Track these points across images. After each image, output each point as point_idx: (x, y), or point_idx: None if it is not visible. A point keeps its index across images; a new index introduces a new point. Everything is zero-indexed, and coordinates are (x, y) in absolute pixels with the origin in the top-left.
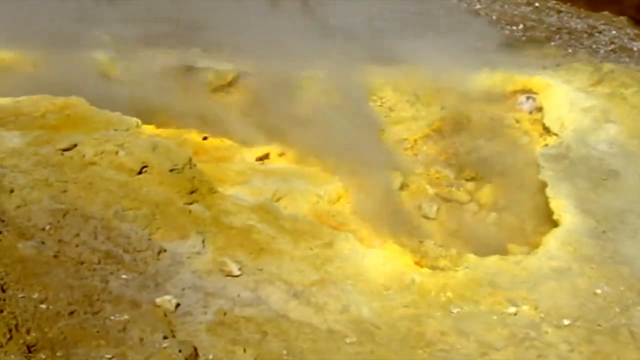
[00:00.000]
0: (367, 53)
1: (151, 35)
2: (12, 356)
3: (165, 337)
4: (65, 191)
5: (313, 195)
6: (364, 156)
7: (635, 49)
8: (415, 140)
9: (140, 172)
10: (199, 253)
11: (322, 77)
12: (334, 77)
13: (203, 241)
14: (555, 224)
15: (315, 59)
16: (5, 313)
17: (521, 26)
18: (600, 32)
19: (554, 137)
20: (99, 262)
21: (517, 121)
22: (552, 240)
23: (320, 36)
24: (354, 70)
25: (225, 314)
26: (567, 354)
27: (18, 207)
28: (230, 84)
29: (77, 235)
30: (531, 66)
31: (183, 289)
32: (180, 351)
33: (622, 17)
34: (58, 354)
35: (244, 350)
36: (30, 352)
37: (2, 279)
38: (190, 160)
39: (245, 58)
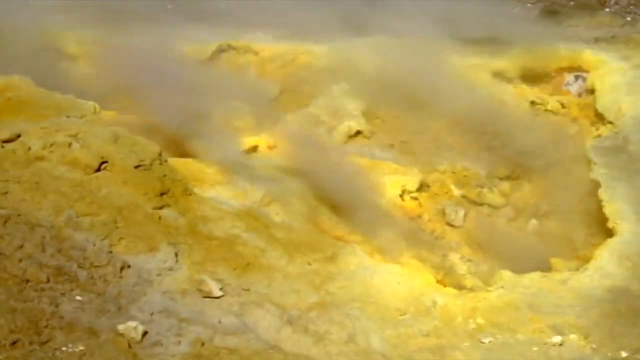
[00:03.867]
0: (380, 22)
1: None
2: None
3: None
4: (6, 193)
5: (312, 197)
6: None
7: None
8: (438, 130)
9: (98, 169)
10: (171, 269)
11: None
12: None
13: (176, 254)
14: (610, 233)
15: None
16: None
17: None
18: None
19: (609, 125)
20: (48, 281)
21: (563, 106)
22: (606, 254)
23: None
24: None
25: (203, 344)
26: None
27: None
28: None
29: (21, 247)
30: (580, 38)
31: (152, 314)
32: None
33: None
34: None
35: None
36: None
37: None
38: (160, 154)
39: None
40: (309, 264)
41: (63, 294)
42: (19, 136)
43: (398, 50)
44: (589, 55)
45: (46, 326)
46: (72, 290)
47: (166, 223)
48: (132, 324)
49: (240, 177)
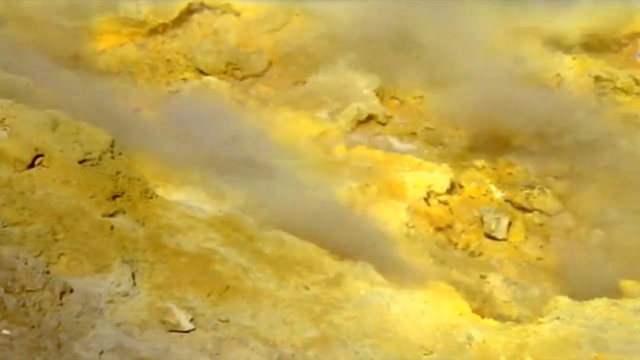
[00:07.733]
0: None
1: None
2: None
3: None
4: None
5: (310, 200)
6: None
7: None
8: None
9: (32, 165)
10: (126, 294)
11: None
12: None
13: (133, 275)
14: None
15: None
16: None
17: None
18: None
19: None
20: None
21: (637, 82)
22: None
23: None
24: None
25: None
26: None
27: None
28: None
29: None
30: None
31: (101, 352)
32: None
33: None
34: None
35: None
36: None
37: None
38: (112, 145)
39: None
40: (307, 287)
41: None
42: None
43: (417, 11)
44: None
45: None
46: None
47: (120, 234)
48: None
49: (216, 175)
